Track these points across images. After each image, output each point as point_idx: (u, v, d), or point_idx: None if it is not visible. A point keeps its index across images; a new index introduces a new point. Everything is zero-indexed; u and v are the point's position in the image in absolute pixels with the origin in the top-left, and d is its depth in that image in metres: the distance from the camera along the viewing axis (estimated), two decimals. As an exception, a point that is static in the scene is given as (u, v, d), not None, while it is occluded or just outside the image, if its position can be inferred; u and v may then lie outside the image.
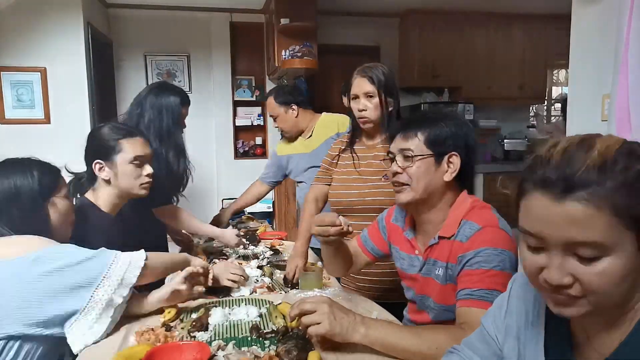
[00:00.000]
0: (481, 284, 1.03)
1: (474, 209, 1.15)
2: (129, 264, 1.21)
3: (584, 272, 0.60)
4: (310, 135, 2.40)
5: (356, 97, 1.67)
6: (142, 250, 1.29)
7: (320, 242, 1.32)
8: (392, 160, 1.21)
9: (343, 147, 1.79)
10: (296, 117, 2.39)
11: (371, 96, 1.64)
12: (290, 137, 2.47)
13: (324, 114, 2.47)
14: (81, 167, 1.61)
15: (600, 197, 0.58)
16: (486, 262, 1.04)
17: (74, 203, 1.50)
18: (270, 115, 2.48)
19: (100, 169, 1.49)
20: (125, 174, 1.50)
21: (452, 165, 1.16)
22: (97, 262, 1.17)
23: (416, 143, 1.16)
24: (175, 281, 1.28)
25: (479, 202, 1.18)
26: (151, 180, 1.56)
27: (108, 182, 1.50)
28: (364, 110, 1.65)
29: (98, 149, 1.51)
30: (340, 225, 1.20)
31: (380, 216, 1.43)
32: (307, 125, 2.42)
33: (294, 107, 2.37)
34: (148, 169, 1.54)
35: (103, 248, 1.22)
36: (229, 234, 1.95)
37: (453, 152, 1.16)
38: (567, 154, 0.61)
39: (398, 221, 1.35)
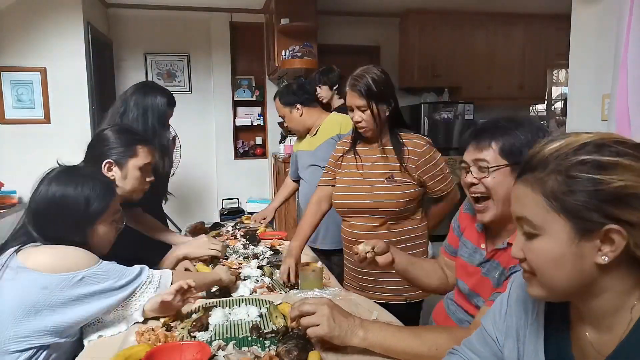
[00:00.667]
0: None
1: None
2: (157, 287, 1.27)
3: (526, 248, 0.69)
4: (316, 133, 2.40)
5: (351, 108, 1.68)
6: (170, 271, 1.35)
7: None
8: (467, 170, 1.17)
9: (347, 149, 1.79)
10: (301, 116, 2.41)
11: (364, 109, 1.64)
12: (300, 135, 2.51)
13: (333, 113, 2.48)
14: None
15: (537, 179, 0.66)
16: None
17: None
18: (279, 116, 2.56)
19: (108, 168, 1.51)
20: (132, 178, 1.54)
21: None
22: (133, 285, 1.23)
23: (491, 154, 1.11)
24: (164, 292, 1.27)
25: None
26: (149, 187, 1.62)
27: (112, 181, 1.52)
28: (359, 121, 1.66)
29: (110, 149, 1.53)
30: (357, 253, 1.24)
31: (454, 217, 1.40)
32: (314, 123, 2.42)
33: (298, 106, 2.40)
34: (151, 177, 1.60)
35: (141, 267, 1.27)
36: (197, 243, 1.78)
37: None
38: (544, 143, 0.68)
39: (469, 210, 1.32)
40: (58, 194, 1.21)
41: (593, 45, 2.16)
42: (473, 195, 1.16)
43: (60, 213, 1.20)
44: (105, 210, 1.27)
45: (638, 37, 1.69)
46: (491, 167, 1.11)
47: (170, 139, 2.05)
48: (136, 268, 1.26)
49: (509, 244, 1.12)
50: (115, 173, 1.51)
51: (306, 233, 1.82)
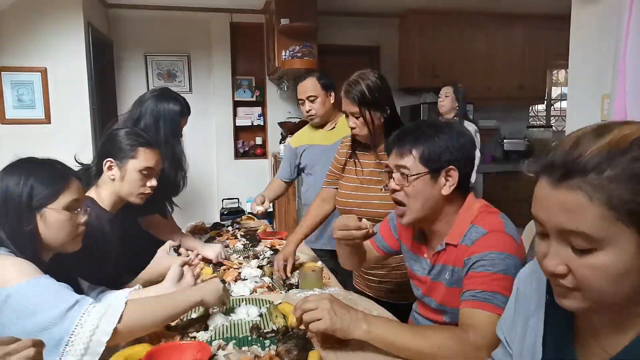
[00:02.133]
0: (485, 286, 1.03)
1: (482, 214, 1.15)
2: (99, 320, 1.01)
3: (577, 263, 0.59)
4: (333, 128, 2.32)
5: (347, 114, 1.68)
6: (127, 292, 1.22)
7: (339, 243, 1.34)
8: (390, 176, 1.21)
9: (349, 152, 1.79)
10: (332, 104, 2.31)
11: (357, 116, 1.63)
12: (316, 125, 2.35)
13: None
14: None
15: (595, 187, 0.55)
16: (491, 266, 1.04)
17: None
18: (308, 97, 2.29)
19: (109, 167, 1.51)
20: (130, 180, 1.52)
21: (451, 179, 1.14)
22: (61, 327, 0.98)
23: (411, 161, 1.15)
24: (163, 287, 1.27)
25: (487, 207, 1.18)
26: (151, 192, 1.58)
27: (112, 181, 1.52)
28: (354, 127, 1.67)
29: (113, 148, 1.53)
30: (366, 228, 1.22)
31: (391, 215, 1.43)
32: (333, 118, 2.35)
33: (332, 93, 2.30)
34: (153, 182, 1.57)
35: (75, 300, 1.02)
36: (210, 250, 1.88)
37: (450, 167, 1.14)
38: (578, 140, 0.59)
39: None
40: (3, 186, 1.10)
41: (593, 46, 2.16)
42: (394, 201, 1.20)
43: (5, 206, 1.09)
44: (57, 192, 1.13)
45: (638, 37, 1.69)
46: (411, 176, 1.14)
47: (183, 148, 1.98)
48: (68, 301, 1.01)
49: (447, 244, 1.16)
50: (114, 173, 1.51)
51: (305, 231, 1.84)
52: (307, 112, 2.32)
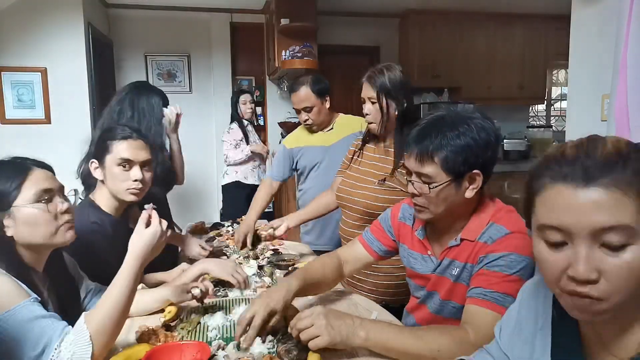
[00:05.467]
0: (498, 286, 1.02)
1: (501, 212, 1.12)
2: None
3: (611, 264, 0.59)
4: (331, 129, 2.28)
5: (363, 100, 1.69)
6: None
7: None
8: (409, 180, 1.15)
9: (360, 145, 1.83)
10: (328, 108, 2.24)
11: (374, 102, 1.65)
12: (315, 130, 2.30)
13: (341, 114, 2.34)
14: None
15: (624, 182, 0.58)
16: (508, 267, 1.03)
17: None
18: (304, 108, 2.22)
19: (95, 168, 1.47)
20: (112, 176, 1.44)
21: (475, 182, 1.10)
22: None
23: (433, 168, 1.08)
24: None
25: (504, 205, 1.16)
26: (141, 186, 1.46)
27: (103, 183, 1.48)
28: (368, 114, 1.69)
29: (95, 149, 1.51)
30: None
31: (383, 217, 1.39)
32: (331, 119, 2.30)
33: (327, 97, 2.22)
34: (135, 174, 1.44)
35: (44, 345, 0.94)
36: (191, 243, 1.88)
37: (475, 171, 1.08)
38: (581, 149, 0.63)
39: (406, 219, 1.31)
40: None
41: (593, 45, 2.16)
42: (414, 203, 1.16)
43: None
44: (15, 192, 1.03)
45: (638, 37, 1.69)
46: (433, 185, 1.09)
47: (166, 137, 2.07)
48: (36, 348, 0.93)
49: (462, 240, 1.13)
50: (100, 173, 1.47)
51: (307, 211, 1.99)
52: (305, 121, 2.27)
